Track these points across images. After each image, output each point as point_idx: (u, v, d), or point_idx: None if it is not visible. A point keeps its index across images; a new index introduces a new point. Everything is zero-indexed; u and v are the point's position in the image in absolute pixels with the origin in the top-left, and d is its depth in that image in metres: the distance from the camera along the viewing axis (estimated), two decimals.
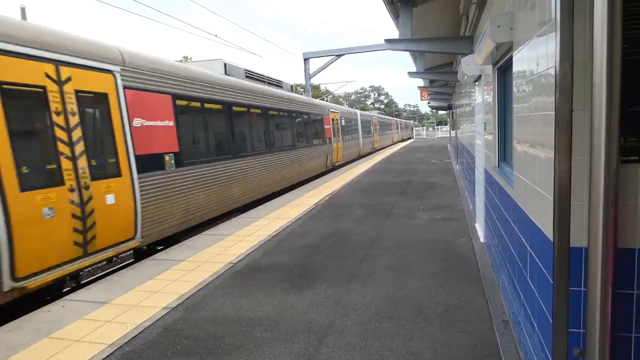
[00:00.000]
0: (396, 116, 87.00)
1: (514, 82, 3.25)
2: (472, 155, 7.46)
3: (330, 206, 9.02)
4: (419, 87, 17.21)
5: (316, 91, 48.58)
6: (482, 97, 5.62)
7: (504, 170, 4.19)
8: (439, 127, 55.67)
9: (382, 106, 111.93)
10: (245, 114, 3.65)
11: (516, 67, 3.15)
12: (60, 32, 1.66)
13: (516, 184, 3.20)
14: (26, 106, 1.43)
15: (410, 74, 11.18)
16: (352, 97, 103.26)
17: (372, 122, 23.18)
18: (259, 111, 4.39)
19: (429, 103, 24.30)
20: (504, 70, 4.32)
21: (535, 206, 2.60)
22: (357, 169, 16.77)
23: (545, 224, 2.36)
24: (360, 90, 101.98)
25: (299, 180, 8.86)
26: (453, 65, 11.03)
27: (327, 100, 53.80)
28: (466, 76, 6.37)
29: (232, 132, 3.52)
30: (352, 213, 8.10)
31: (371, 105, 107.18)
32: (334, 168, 12.90)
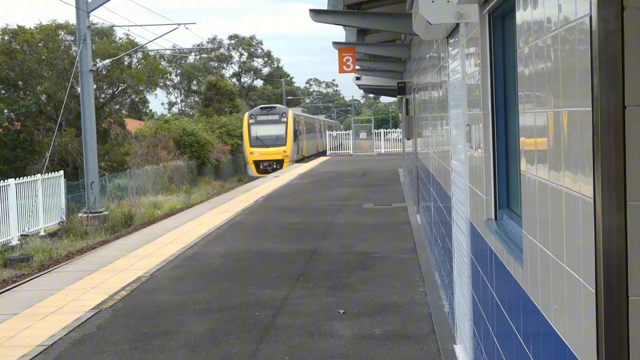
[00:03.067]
0: (288, 105, 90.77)
1: (518, 44, 3.58)
2: (447, 195, 7.96)
3: (125, 324, 8.96)
4: (334, 44, 18.09)
5: (105, 43, 48.06)
6: (463, 70, 6.09)
7: (505, 227, 4.50)
8: (382, 131, 58.90)
9: (261, 82, 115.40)
10: (309, 125, 51.48)
11: (521, 14, 3.48)
12: (300, 112, 52.28)
13: (528, 257, 3.43)
14: (298, 125, 46.08)
15: (315, 13, 11.74)
16: (192, 60, 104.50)
17: None
18: (310, 124, 53.20)
19: (357, 79, 25.65)
20: (501, 19, 4.75)
21: (563, 305, 2.81)
22: (199, 224, 16.80)
23: (583, 346, 2.56)
24: (210, 46, 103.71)
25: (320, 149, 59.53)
26: (406, 5, 11.89)
27: (136, 63, 54.62)
28: (429, 26, 6.86)
29: (311, 130, 51.31)
30: (180, 334, 8.14)
31: (233, 80, 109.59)
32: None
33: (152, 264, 11.92)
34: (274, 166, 41.24)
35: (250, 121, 44.46)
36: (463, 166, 6.15)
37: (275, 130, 43.20)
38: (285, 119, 44.44)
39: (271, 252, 12.70)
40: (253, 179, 36.11)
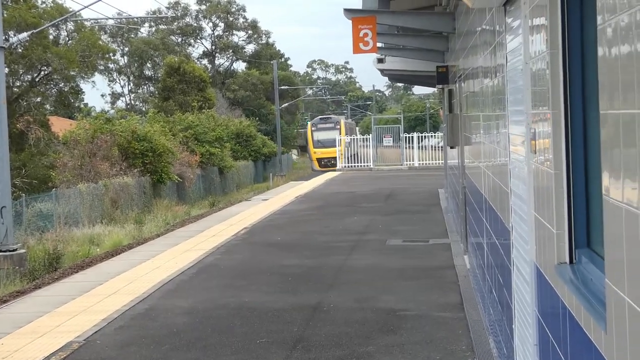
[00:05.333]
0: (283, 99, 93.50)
1: (599, 17, 3.61)
2: (504, 227, 7.99)
3: None
4: (347, 12, 18.15)
5: (21, 9, 48.29)
6: (526, 51, 6.12)
7: (584, 274, 4.51)
8: (416, 135, 58.56)
9: (243, 65, 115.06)
10: (352, 131, 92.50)
11: None
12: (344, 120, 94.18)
13: (613, 317, 3.41)
14: (347, 130, 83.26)
15: None
16: (145, 33, 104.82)
17: None
18: (352, 130, 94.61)
19: (380, 61, 25.67)
20: None
21: None
22: (155, 267, 16.79)
23: None
24: (171, 13, 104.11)
25: None
26: None
27: (66, 37, 54.77)
28: None
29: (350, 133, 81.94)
30: None
31: (203, 62, 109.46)
32: None
33: (87, 324, 11.89)
34: (332, 162, 66.31)
35: (313, 129, 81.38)
36: (526, 187, 6.18)
37: (332, 134, 72.67)
38: (338, 126, 78.85)
39: (257, 308, 12.67)
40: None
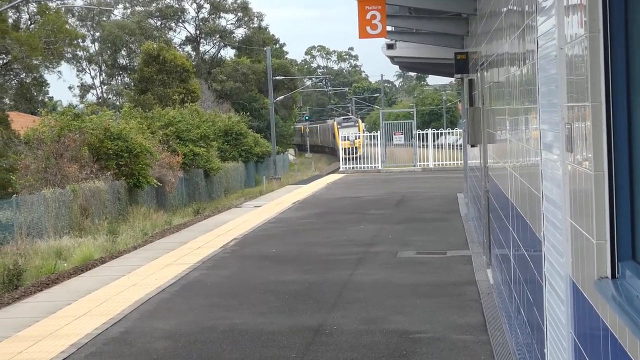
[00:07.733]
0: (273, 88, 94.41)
1: None
2: (535, 237, 7.99)
3: None
4: None
5: None
6: (560, 35, 6.12)
7: (629, 290, 4.49)
8: (431, 132, 58.39)
9: (232, 52, 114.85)
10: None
11: None
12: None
13: None
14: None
15: None
16: (119, 16, 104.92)
17: None
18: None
19: (390, 47, 25.69)
20: None
21: None
22: (132, 284, 16.77)
23: None
24: None
25: None
26: None
27: (28, 21, 55.02)
28: None
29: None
30: None
31: (186, 49, 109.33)
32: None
33: (54, 350, 11.88)
34: (353, 150, 72.37)
35: (338, 126, 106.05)
36: (560, 191, 6.17)
37: (353, 130, 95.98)
38: (357, 124, 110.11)
39: (249, 331, 12.67)
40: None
